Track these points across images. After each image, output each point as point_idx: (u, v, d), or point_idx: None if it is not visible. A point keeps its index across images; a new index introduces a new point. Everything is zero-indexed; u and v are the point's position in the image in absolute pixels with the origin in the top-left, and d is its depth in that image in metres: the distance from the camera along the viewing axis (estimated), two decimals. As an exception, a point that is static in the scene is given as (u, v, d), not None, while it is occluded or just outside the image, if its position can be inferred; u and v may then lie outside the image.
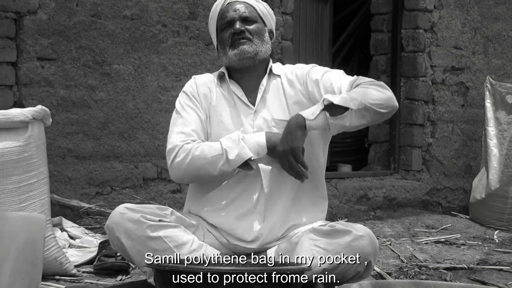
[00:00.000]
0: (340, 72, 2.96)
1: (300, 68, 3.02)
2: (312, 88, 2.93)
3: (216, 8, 3.02)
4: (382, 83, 2.83)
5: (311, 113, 2.73)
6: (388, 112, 2.78)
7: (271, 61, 3.06)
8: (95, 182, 4.56)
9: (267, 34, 3.00)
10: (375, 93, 2.75)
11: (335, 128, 2.75)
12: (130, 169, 4.70)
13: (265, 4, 3.05)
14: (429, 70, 6.33)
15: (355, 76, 2.90)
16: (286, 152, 2.72)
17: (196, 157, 2.83)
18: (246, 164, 2.81)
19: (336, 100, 2.71)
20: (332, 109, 2.71)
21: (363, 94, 2.73)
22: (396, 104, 2.80)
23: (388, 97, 2.77)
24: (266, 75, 3.00)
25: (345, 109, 2.71)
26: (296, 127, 2.73)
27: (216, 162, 2.82)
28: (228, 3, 3.00)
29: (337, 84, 2.86)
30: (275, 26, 3.09)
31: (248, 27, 2.95)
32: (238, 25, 2.94)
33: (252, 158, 2.80)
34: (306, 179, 2.77)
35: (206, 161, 2.82)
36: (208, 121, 2.97)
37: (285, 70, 3.04)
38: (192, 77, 3.07)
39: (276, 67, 3.05)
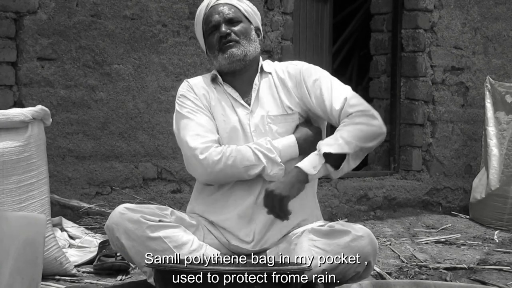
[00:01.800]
0: (329, 82, 2.93)
1: (293, 66, 3.02)
2: (304, 90, 2.94)
3: (200, 12, 3.00)
4: (370, 110, 2.85)
5: (312, 167, 2.75)
6: (379, 143, 2.87)
7: (261, 59, 3.05)
8: (95, 182, 4.56)
9: (253, 32, 2.98)
10: (366, 129, 2.79)
11: (336, 175, 2.80)
12: (130, 169, 4.70)
13: (247, 2, 3.04)
14: (429, 70, 6.33)
15: (345, 95, 2.87)
16: (276, 196, 2.72)
17: (229, 166, 2.84)
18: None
19: (334, 149, 2.73)
20: (330, 157, 2.75)
21: (356, 135, 2.77)
22: (385, 130, 2.85)
23: (378, 129, 2.83)
24: (258, 74, 3.00)
25: (343, 154, 2.75)
26: (297, 181, 2.75)
27: (250, 170, 2.85)
28: (211, 7, 2.98)
29: (328, 100, 2.87)
30: (261, 22, 3.07)
31: (233, 28, 2.93)
32: (223, 28, 2.92)
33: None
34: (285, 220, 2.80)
35: (238, 170, 2.85)
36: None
37: (276, 67, 3.04)
38: (185, 81, 3.05)
39: (267, 64, 3.05)
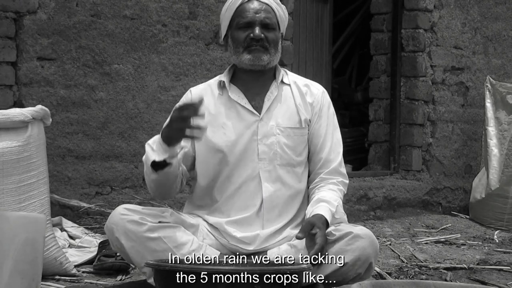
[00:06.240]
0: (336, 131, 3.07)
1: (315, 88, 3.03)
2: (315, 116, 2.99)
3: (235, 1, 2.94)
4: (346, 181, 3.16)
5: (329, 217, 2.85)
6: None
7: (280, 69, 3.03)
8: (95, 182, 4.56)
9: (280, 41, 2.98)
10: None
11: None
12: (130, 169, 4.70)
13: (283, 7, 3.00)
14: (429, 70, 6.33)
15: (341, 155, 3.09)
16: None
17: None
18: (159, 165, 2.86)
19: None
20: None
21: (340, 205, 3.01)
22: None
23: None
24: (277, 85, 2.98)
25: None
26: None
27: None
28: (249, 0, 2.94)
29: (324, 153, 3.02)
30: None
31: (267, 34, 2.90)
32: (258, 31, 2.88)
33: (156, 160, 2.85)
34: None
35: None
36: (209, 134, 2.94)
37: (295, 80, 3.04)
38: (189, 90, 3.05)
39: (286, 76, 3.03)
